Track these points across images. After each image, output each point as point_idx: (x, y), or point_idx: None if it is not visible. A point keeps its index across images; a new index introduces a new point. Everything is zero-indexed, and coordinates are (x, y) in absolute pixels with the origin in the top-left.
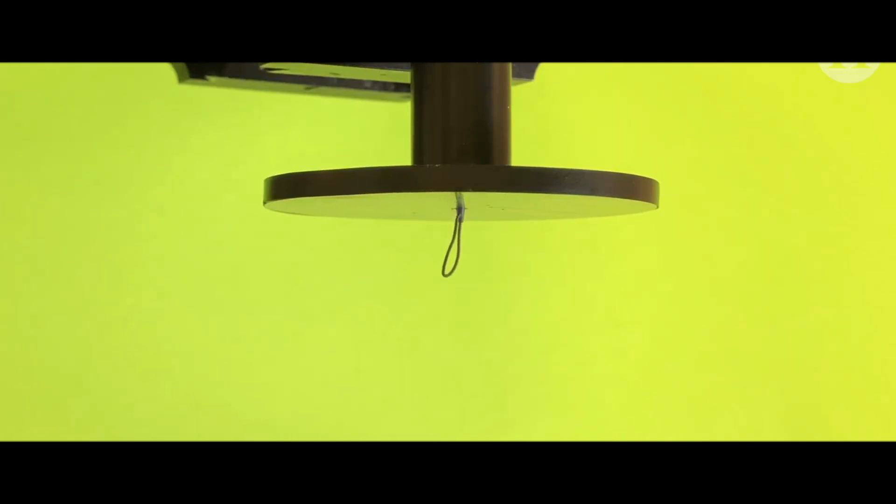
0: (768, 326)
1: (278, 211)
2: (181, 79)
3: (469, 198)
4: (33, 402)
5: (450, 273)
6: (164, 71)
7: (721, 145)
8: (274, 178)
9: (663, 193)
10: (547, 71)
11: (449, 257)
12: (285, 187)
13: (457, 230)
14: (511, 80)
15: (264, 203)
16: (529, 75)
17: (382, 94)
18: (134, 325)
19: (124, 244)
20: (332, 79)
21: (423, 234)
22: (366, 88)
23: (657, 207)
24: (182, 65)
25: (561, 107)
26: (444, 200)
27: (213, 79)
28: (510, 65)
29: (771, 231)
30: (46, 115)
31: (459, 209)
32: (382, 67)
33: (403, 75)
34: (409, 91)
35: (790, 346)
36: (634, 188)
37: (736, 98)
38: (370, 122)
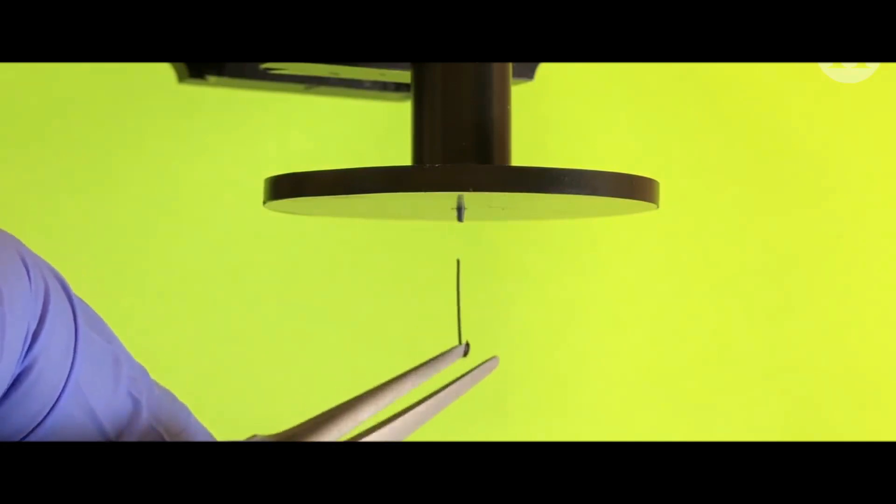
0: (768, 326)
1: (278, 211)
2: (181, 79)
3: (469, 198)
4: None
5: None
6: (163, 71)
7: (721, 145)
8: (274, 177)
9: (663, 193)
10: (547, 71)
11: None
12: (285, 187)
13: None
14: (511, 80)
15: (264, 203)
16: (529, 75)
17: (382, 94)
18: (133, 324)
19: (124, 244)
20: (332, 79)
21: (423, 234)
22: (366, 88)
23: (657, 207)
24: (182, 65)
25: (561, 107)
26: (444, 200)
27: (213, 79)
28: (510, 65)
29: (771, 231)
30: (46, 115)
31: (459, 209)
32: (382, 67)
33: (403, 75)
34: (409, 91)
35: (790, 346)
36: (634, 188)
37: (736, 98)
38: (370, 122)
